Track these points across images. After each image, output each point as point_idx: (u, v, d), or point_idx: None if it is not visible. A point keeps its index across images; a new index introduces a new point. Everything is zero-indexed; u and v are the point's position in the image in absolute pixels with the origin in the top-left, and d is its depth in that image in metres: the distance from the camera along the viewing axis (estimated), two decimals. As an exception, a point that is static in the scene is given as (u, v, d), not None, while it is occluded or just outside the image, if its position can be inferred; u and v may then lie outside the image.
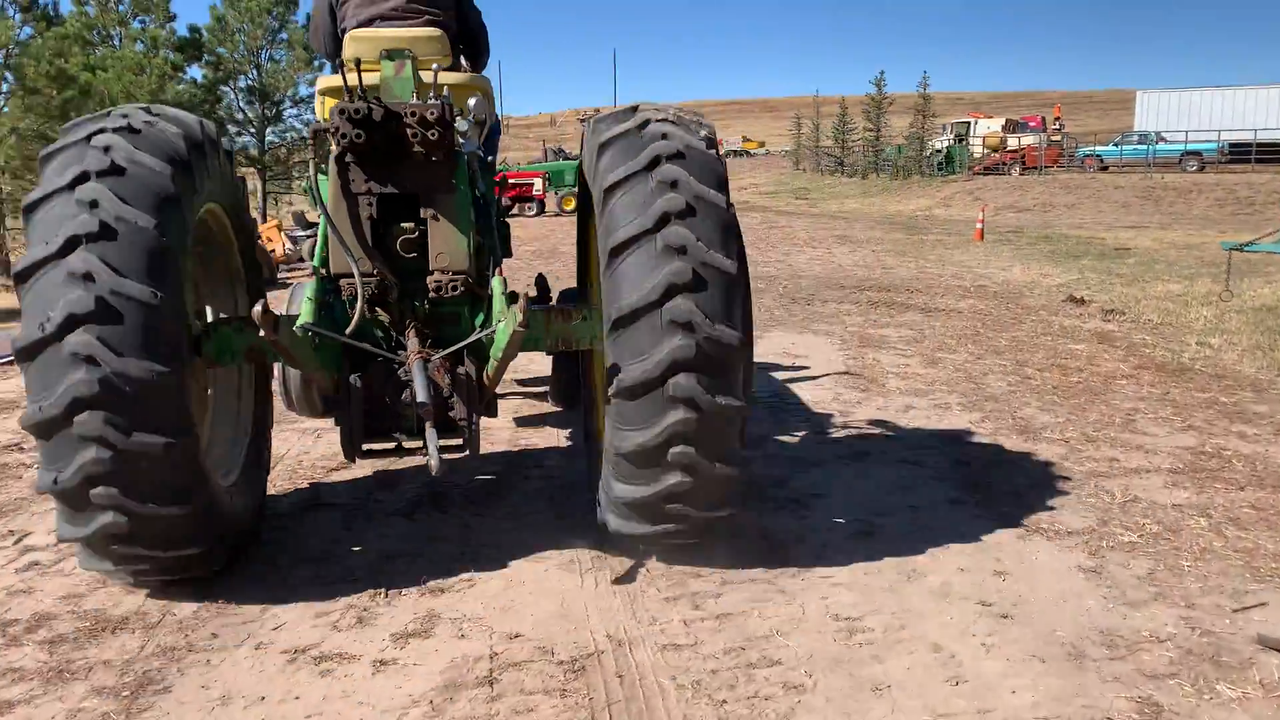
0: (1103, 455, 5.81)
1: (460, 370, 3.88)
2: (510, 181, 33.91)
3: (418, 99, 3.88)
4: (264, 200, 34.32)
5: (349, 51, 4.30)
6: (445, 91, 3.92)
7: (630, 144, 3.70)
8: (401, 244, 3.96)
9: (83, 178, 3.36)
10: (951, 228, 25.97)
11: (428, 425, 3.66)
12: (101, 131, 3.53)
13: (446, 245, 3.96)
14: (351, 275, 3.90)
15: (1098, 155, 41.32)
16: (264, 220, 23.80)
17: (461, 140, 4.02)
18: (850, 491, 5.14)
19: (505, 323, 3.65)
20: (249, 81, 32.02)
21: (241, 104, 32.46)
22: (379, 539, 4.53)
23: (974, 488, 5.19)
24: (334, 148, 3.87)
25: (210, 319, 4.58)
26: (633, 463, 3.65)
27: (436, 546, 4.43)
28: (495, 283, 4.02)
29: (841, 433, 6.30)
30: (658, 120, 3.78)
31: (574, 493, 5.08)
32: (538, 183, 33.22)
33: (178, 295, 3.44)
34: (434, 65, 3.99)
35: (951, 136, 49.74)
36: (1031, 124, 47.56)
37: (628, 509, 3.79)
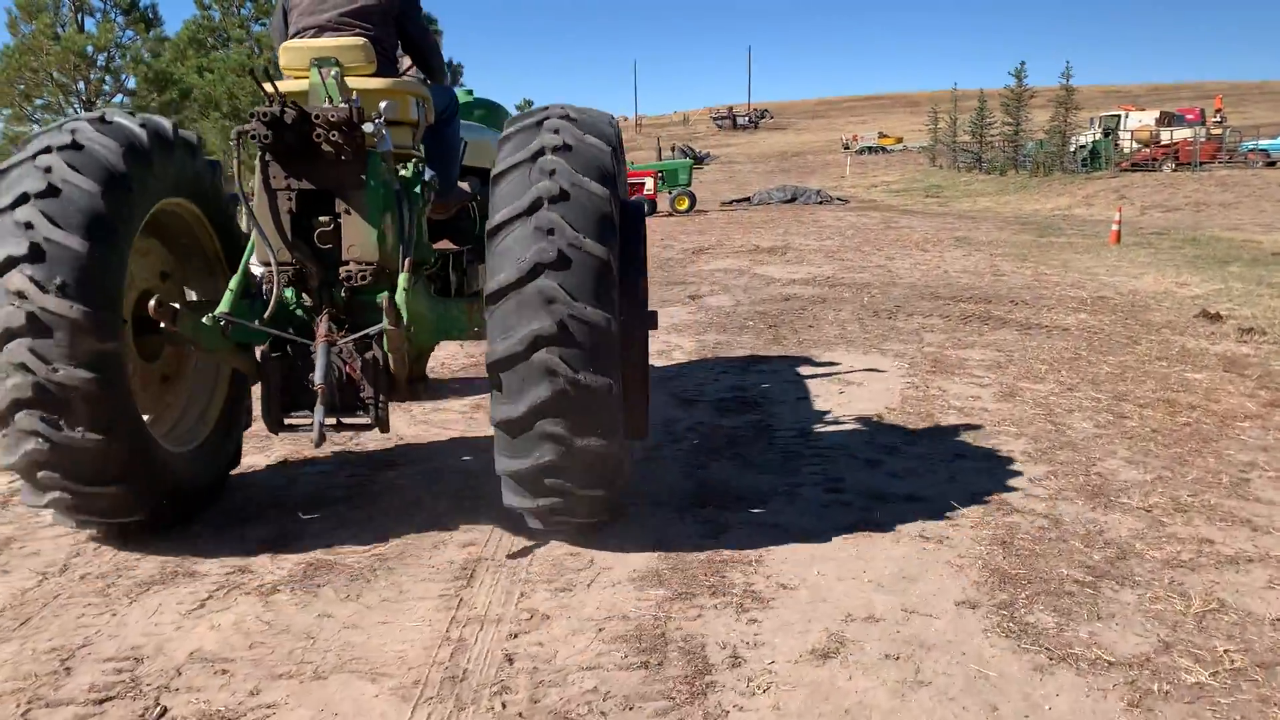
0: (1191, 534, 4.48)
1: (369, 354, 4.23)
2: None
3: (345, 103, 4.14)
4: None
5: (283, 60, 4.61)
6: (354, 96, 4.20)
7: (525, 137, 4.08)
8: (319, 236, 4.31)
9: (22, 199, 3.79)
10: (1087, 229, 23.81)
11: (318, 403, 4.05)
12: (46, 151, 3.94)
13: (357, 237, 4.28)
14: (284, 262, 4.29)
15: (1263, 150, 37.81)
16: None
17: (376, 140, 4.25)
18: (832, 582, 3.99)
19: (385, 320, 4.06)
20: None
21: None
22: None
23: (999, 582, 3.97)
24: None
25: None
26: (509, 434, 3.95)
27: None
28: (401, 277, 4.29)
29: (855, 492, 5.11)
30: (557, 117, 4.16)
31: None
32: (649, 182, 32.29)
33: (106, 303, 3.83)
34: (334, 71, 4.28)
35: (1099, 130, 46.55)
36: (1188, 116, 44.04)
37: (513, 481, 4.10)
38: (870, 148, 72.22)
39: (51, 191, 3.77)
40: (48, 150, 3.91)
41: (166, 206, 4.50)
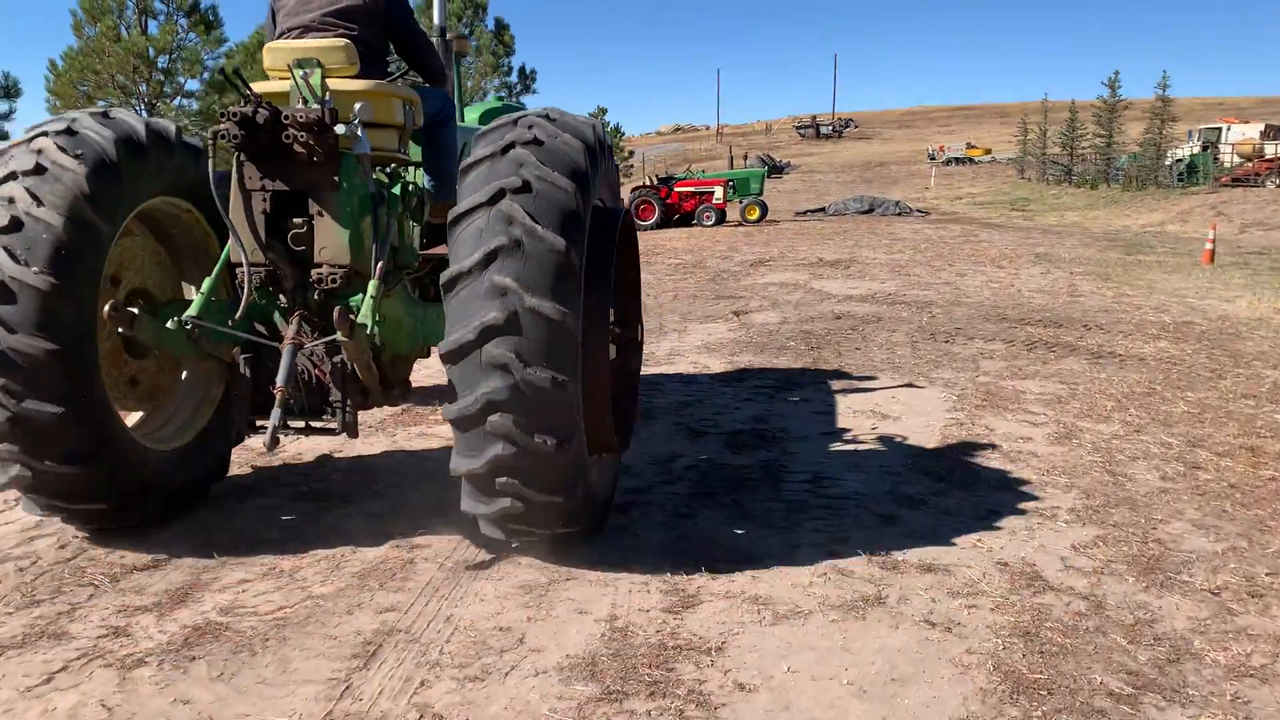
0: (1267, 629, 3.64)
1: (337, 359, 4.18)
2: (684, 190, 32.56)
3: (319, 104, 4.14)
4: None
5: (266, 61, 4.54)
6: (327, 96, 4.19)
7: (499, 133, 4.02)
8: (292, 238, 4.26)
9: (10, 177, 3.93)
10: (1180, 247, 22.36)
11: (275, 405, 3.99)
12: (43, 135, 4.11)
13: (329, 240, 4.26)
14: (258, 264, 4.26)
15: (1379, 165, 35.51)
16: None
17: (352, 142, 4.18)
18: (803, 683, 3.25)
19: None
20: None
21: (429, 110, 32.64)
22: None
23: (1012, 691, 3.18)
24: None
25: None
26: (461, 429, 3.81)
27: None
28: (371, 284, 4.19)
29: (860, 557, 4.34)
30: (536, 116, 4.13)
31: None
32: (717, 191, 31.56)
33: (78, 283, 3.91)
34: (303, 71, 4.18)
35: (1197, 143, 44.36)
36: (1296, 129, 41.63)
37: (468, 484, 3.96)
38: (957, 159, 70.24)
39: (38, 170, 3.93)
40: (44, 134, 4.10)
41: (164, 206, 4.64)
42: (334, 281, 4.28)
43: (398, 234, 4.79)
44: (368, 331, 4.06)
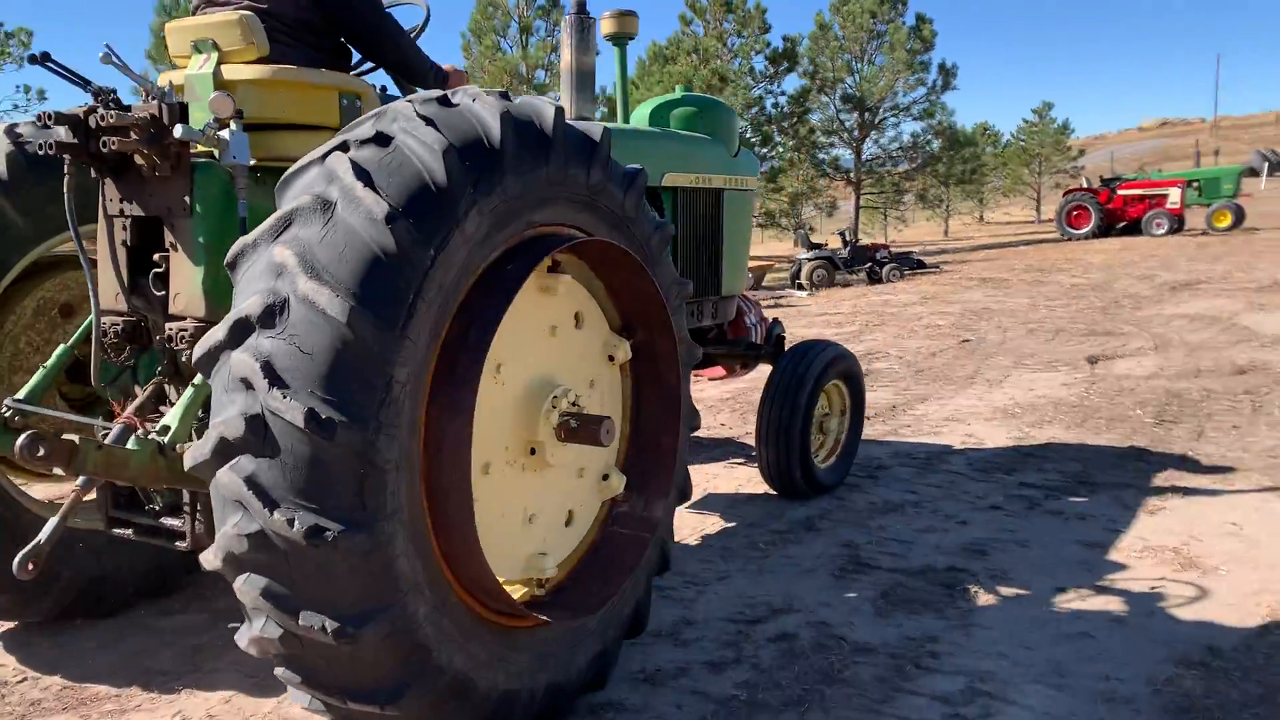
0: None
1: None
2: (1130, 194, 27.78)
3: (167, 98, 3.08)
4: (856, 216, 32.43)
5: (170, 44, 3.57)
6: (167, 87, 3.14)
7: (348, 130, 2.61)
8: (153, 279, 3.21)
9: None
10: None
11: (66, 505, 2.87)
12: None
13: (182, 284, 3.12)
14: (119, 313, 3.29)
15: None
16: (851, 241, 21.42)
17: (221, 150, 3.03)
18: None
19: None
20: (846, 89, 30.23)
21: (839, 113, 30.83)
22: None
23: None
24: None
25: None
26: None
27: None
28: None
29: None
30: (414, 102, 2.60)
31: None
32: (1173, 193, 26.58)
33: None
34: (203, 56, 3.32)
35: None
36: None
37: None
38: None
39: None
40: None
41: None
42: (185, 341, 3.11)
43: None
44: (161, 448, 2.79)
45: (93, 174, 3.22)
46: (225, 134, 3.04)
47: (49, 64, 3.11)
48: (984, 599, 3.91)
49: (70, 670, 3.50)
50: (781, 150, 31.29)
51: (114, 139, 2.95)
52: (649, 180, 4.95)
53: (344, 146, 2.42)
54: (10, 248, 3.51)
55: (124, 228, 3.26)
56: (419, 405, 2.38)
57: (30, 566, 2.72)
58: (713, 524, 4.91)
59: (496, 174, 2.48)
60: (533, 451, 2.85)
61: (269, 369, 2.21)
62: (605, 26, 5.25)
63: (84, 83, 3.15)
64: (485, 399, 2.66)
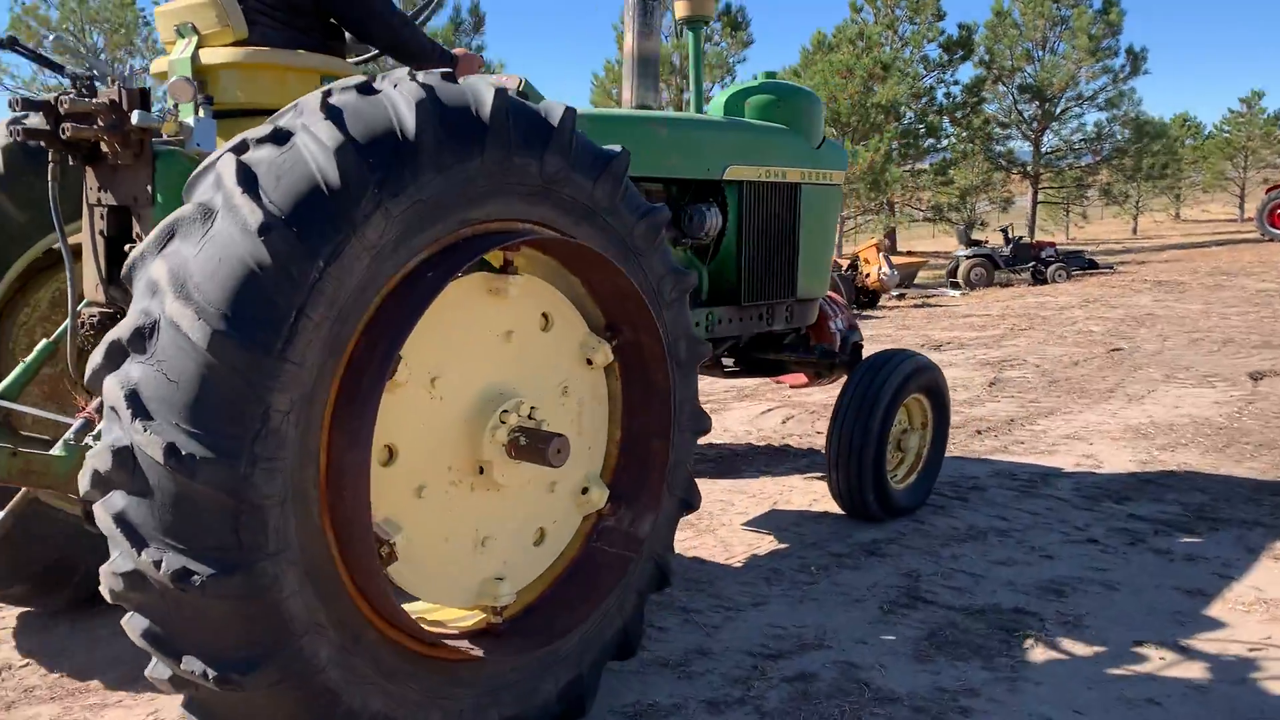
0: None
1: None
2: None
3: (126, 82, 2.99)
4: (1033, 212, 30.72)
5: (159, 31, 3.50)
6: (126, 71, 3.42)
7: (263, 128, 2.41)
8: (125, 270, 2.86)
9: None
10: None
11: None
12: None
13: None
14: (98, 304, 3.13)
15: None
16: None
17: (186, 137, 2.96)
18: None
19: None
20: (1025, 79, 28.61)
21: (1018, 103, 29.22)
22: None
23: None
24: None
25: None
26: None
27: None
28: None
29: None
30: (332, 91, 2.34)
31: None
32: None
33: None
34: (185, 41, 3.23)
35: None
36: None
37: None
38: None
39: None
40: None
41: None
42: None
43: None
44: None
45: (70, 162, 3.08)
46: (190, 120, 2.93)
47: (16, 48, 3.04)
48: (1043, 649, 3.45)
49: (73, 659, 3.51)
50: (953, 141, 30.01)
51: (70, 125, 2.84)
52: (712, 173, 4.66)
53: (242, 146, 2.22)
54: (11, 242, 3.46)
55: (101, 217, 3.19)
56: (316, 433, 2.17)
57: None
58: (767, 543, 4.57)
59: (409, 171, 2.22)
60: (481, 470, 2.62)
61: (134, 398, 2.04)
62: (679, 9, 4.94)
63: (56, 67, 3.08)
64: (418, 416, 2.45)
